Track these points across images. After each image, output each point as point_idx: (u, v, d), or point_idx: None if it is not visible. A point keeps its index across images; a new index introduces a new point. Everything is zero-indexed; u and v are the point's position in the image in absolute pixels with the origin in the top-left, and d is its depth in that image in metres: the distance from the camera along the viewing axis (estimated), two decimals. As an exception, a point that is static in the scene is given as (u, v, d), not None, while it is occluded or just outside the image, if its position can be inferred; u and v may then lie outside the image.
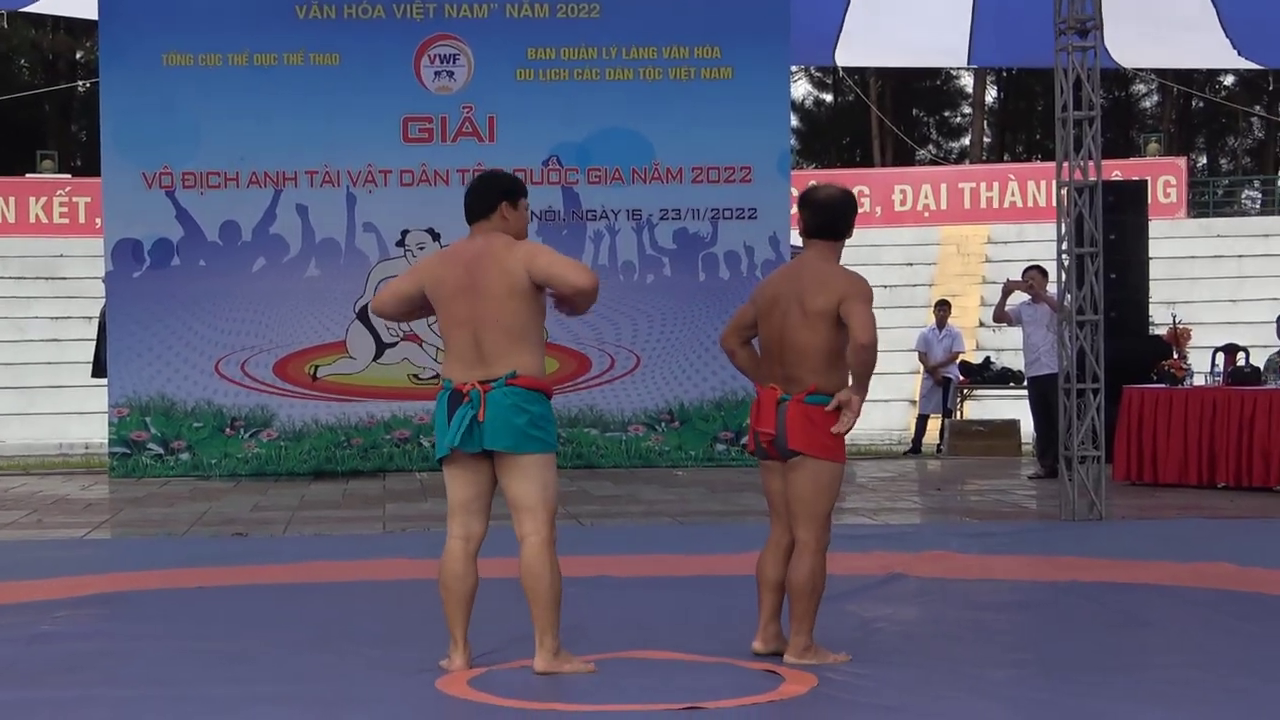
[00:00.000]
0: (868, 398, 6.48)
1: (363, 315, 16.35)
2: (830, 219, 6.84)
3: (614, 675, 6.41)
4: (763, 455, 6.67)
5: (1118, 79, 38.29)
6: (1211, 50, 17.19)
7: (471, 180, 6.82)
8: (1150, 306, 16.74)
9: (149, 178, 16.04)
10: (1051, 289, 14.73)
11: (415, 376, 16.52)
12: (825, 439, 6.45)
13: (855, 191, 32.94)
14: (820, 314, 6.51)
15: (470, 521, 6.48)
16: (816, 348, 6.54)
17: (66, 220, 29.73)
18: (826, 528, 6.58)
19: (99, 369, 16.98)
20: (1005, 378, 20.19)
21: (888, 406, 24.19)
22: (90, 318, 18.08)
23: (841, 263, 6.71)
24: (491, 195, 6.58)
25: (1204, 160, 47.97)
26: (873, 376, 6.37)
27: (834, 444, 6.49)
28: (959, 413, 20.45)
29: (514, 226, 6.57)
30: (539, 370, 6.38)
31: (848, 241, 6.80)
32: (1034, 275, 15.05)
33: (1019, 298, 15.14)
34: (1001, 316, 15.59)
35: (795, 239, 17.35)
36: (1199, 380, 14.78)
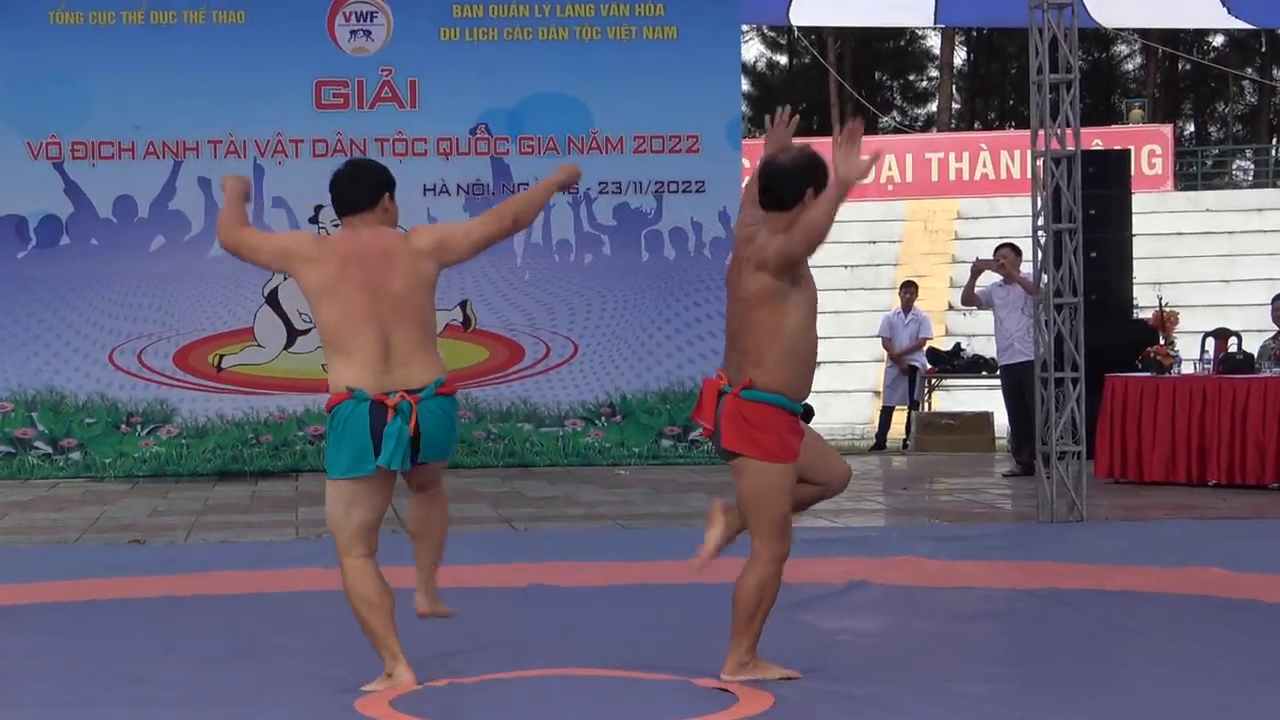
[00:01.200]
0: (827, 389, 6.47)
1: (272, 299, 16.32)
2: (778, 190, 6.69)
3: (552, 694, 6.40)
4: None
5: (1097, 39, 38.55)
6: (1199, 8, 17.27)
7: (342, 169, 6.84)
8: (1134, 288, 16.81)
9: (34, 148, 15.97)
10: (1026, 269, 14.76)
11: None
12: (762, 439, 6.33)
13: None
14: (757, 293, 6.42)
15: (373, 539, 6.57)
16: (757, 333, 6.46)
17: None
18: (780, 536, 6.45)
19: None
20: (976, 366, 20.27)
21: (850, 398, 24.31)
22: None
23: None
24: (374, 186, 6.65)
25: (1191, 128, 48.35)
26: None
27: (774, 445, 6.35)
28: (926, 404, 20.54)
29: (392, 219, 6.69)
30: (445, 369, 6.50)
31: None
32: (1006, 254, 15.10)
33: (990, 278, 15.19)
34: (971, 299, 15.64)
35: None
36: (1187, 368, 14.83)
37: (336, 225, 15.83)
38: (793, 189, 6.53)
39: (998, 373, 16.16)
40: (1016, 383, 14.98)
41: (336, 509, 6.45)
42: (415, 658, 6.98)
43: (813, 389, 18.13)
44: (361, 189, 6.60)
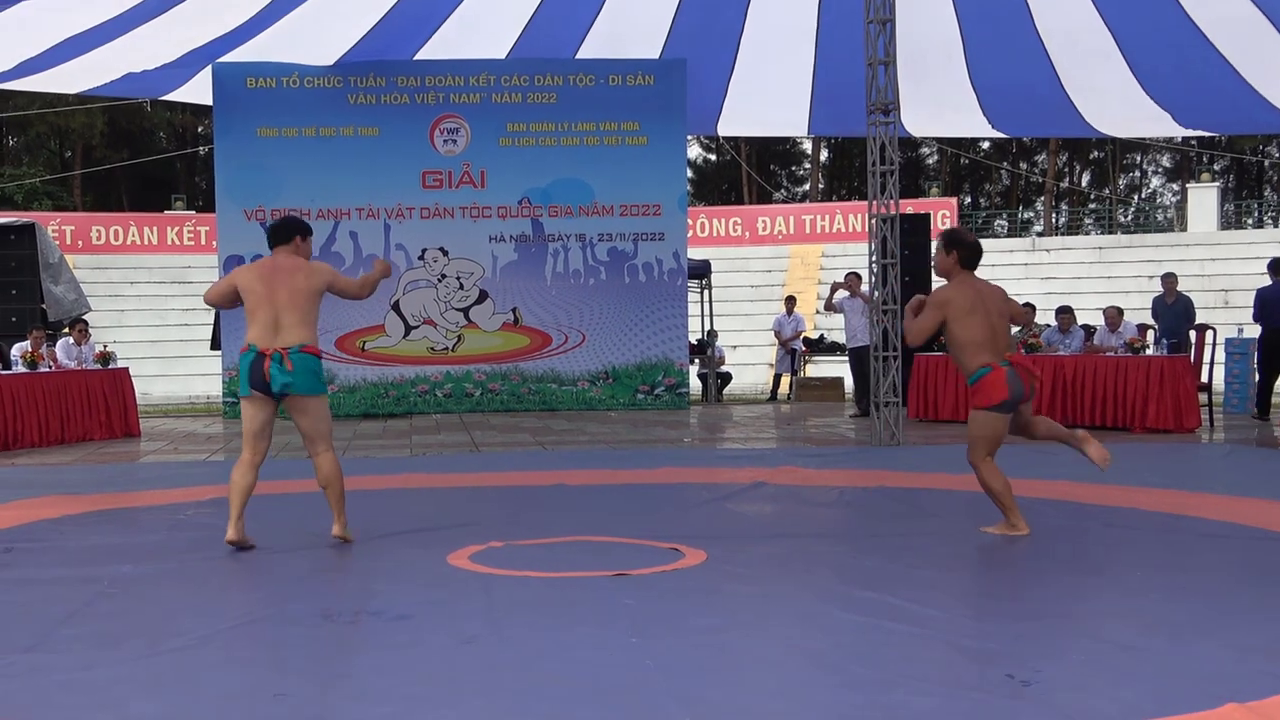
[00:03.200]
0: (741, 363, 6.44)
1: (395, 306, 16.29)
2: (977, 256, 6.94)
3: (569, 552, 6.39)
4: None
5: (909, 143, 38.42)
6: (973, 124, 17.27)
7: (276, 221, 7.03)
8: (930, 299, 16.80)
9: (248, 213, 15.90)
10: (864, 288, 14.80)
11: (431, 348, 16.44)
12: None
13: (730, 223, 32.98)
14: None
15: (257, 445, 6.70)
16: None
17: (192, 243, 29.58)
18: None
19: (215, 344, 16.81)
20: (833, 349, 20.25)
21: (754, 368, 24.26)
22: (209, 309, 17.85)
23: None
24: (290, 231, 6.81)
25: (969, 199, 48.17)
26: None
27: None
28: (802, 372, 20.52)
29: (303, 252, 6.82)
30: (315, 341, 6.72)
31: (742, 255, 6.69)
32: (852, 278, 15.12)
33: (842, 294, 15.19)
34: (830, 307, 15.64)
35: (690, 253, 17.51)
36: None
37: (435, 261, 15.94)
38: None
39: (846, 353, 16.16)
40: (858, 359, 15.03)
41: (243, 417, 6.73)
42: (486, 533, 7.01)
43: (729, 362, 18.02)
44: (283, 233, 6.79)
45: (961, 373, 6.97)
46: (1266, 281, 14.44)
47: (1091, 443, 6.81)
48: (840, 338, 18.23)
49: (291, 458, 11.50)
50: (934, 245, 7.02)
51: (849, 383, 17.25)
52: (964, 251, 6.87)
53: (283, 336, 6.53)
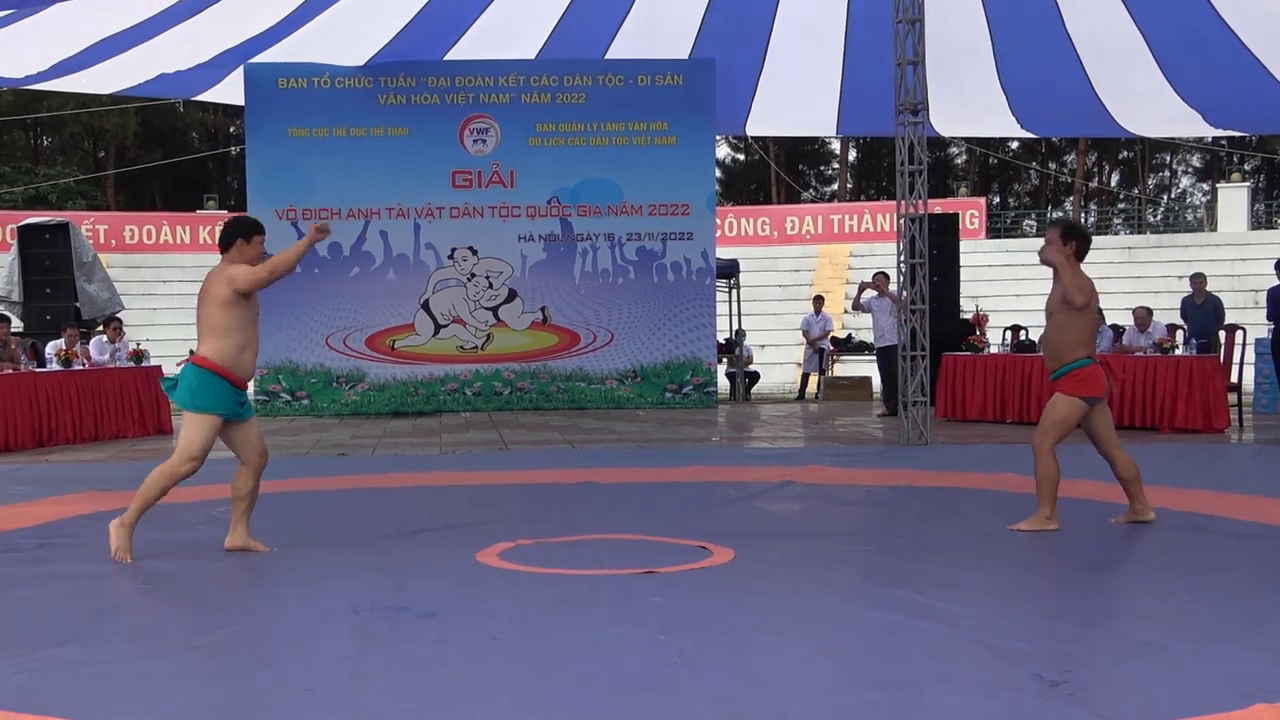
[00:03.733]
0: (770, 362, 6.42)
1: (425, 306, 16.33)
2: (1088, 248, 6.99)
3: (594, 550, 6.40)
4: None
5: (938, 143, 38.30)
6: (1002, 124, 17.22)
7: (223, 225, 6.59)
8: (960, 300, 16.72)
9: (280, 213, 15.93)
10: (892, 288, 14.77)
11: (460, 347, 16.48)
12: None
13: (759, 222, 32.90)
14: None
15: (242, 452, 6.43)
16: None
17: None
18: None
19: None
20: (861, 348, 20.21)
21: (782, 368, 24.22)
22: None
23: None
24: (231, 235, 6.36)
25: (998, 199, 47.97)
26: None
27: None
28: (830, 371, 20.47)
29: (248, 256, 6.31)
30: (215, 352, 6.20)
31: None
32: (880, 278, 15.08)
33: (870, 294, 15.15)
34: (858, 306, 15.60)
35: (718, 253, 17.50)
36: (994, 350, 14.80)
37: (465, 260, 16.07)
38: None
39: (874, 353, 16.10)
40: (886, 359, 14.97)
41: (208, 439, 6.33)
42: (514, 530, 7.02)
43: (757, 361, 17.99)
44: (223, 239, 6.38)
45: (1050, 361, 6.94)
46: (1276, 281, 14.42)
47: (1141, 503, 7.00)
48: (868, 337, 18.17)
49: (321, 455, 11.57)
50: (1048, 233, 7.01)
51: (877, 382, 17.18)
52: (1082, 243, 6.89)
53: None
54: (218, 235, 6.52)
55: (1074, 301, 6.73)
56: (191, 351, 6.34)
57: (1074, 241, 6.85)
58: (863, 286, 15.37)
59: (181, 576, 5.93)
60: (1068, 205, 46.20)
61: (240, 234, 6.37)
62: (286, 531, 6.84)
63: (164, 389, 6.51)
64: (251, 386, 16.29)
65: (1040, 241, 7.24)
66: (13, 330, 14.12)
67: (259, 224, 6.54)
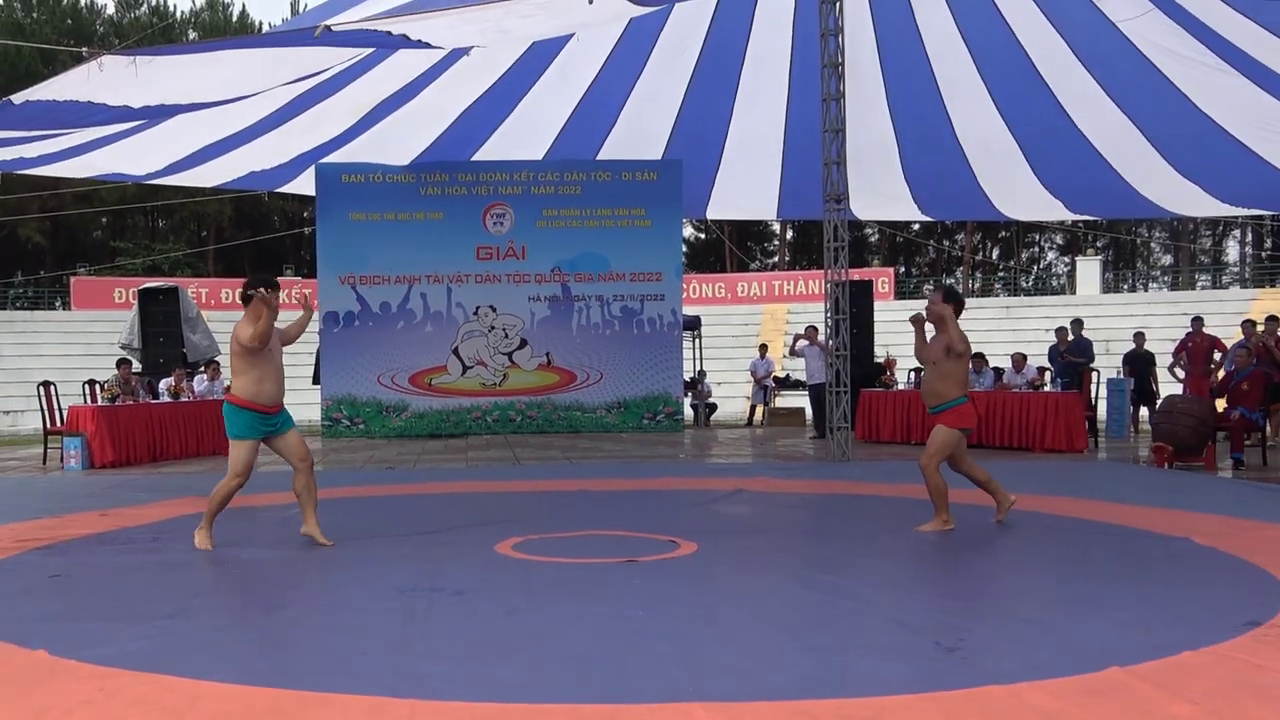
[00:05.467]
0: (726, 396, 6.41)
1: (455, 352, 16.27)
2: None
3: (588, 543, 6.36)
4: None
5: (856, 225, 38.51)
6: (906, 210, 17.32)
7: None
8: (875, 347, 16.75)
9: (342, 279, 15.93)
10: (820, 338, 14.84)
11: (482, 384, 16.39)
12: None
13: (716, 286, 32.75)
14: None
15: (294, 461, 6.36)
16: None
17: (298, 302, 29.50)
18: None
19: (316, 379, 16.81)
20: (796, 385, 20.20)
21: (735, 400, 24.19)
22: (311, 352, 17.87)
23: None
24: (247, 292, 6.17)
25: (904, 269, 48.08)
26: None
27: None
28: (772, 403, 20.45)
29: (259, 311, 6.08)
30: (240, 388, 6.16)
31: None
32: (810, 331, 15.11)
33: (803, 343, 15.17)
34: (794, 352, 15.59)
35: (685, 310, 17.53)
36: (901, 387, 14.81)
37: (486, 316, 16.01)
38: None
39: (807, 389, 16.08)
40: (816, 394, 14.99)
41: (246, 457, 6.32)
42: (525, 527, 6.98)
43: (715, 395, 17.83)
44: (242, 296, 6.19)
45: (930, 399, 6.90)
46: (1131, 347, 15.04)
47: (1001, 494, 7.01)
48: (802, 377, 18.19)
49: (373, 468, 11.51)
50: (929, 294, 7.11)
51: (809, 412, 17.18)
52: (960, 305, 6.93)
53: None
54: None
55: (956, 348, 6.75)
56: (227, 389, 6.31)
57: (952, 303, 6.89)
58: (797, 338, 15.40)
59: (262, 564, 5.88)
60: (959, 273, 46.38)
61: (254, 285, 6.18)
62: (346, 528, 6.81)
63: None
64: (318, 413, 16.35)
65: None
66: (133, 370, 14.06)
67: (269, 280, 6.28)
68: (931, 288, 38.21)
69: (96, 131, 11.33)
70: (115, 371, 13.43)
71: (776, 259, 48.85)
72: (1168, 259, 45.90)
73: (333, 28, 7.25)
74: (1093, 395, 13.56)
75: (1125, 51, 12.39)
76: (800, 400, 20.09)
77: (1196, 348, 13.86)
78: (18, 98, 8.45)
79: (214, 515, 6.31)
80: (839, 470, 10.75)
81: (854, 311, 12.95)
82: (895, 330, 27.20)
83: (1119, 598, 4.84)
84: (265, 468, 11.81)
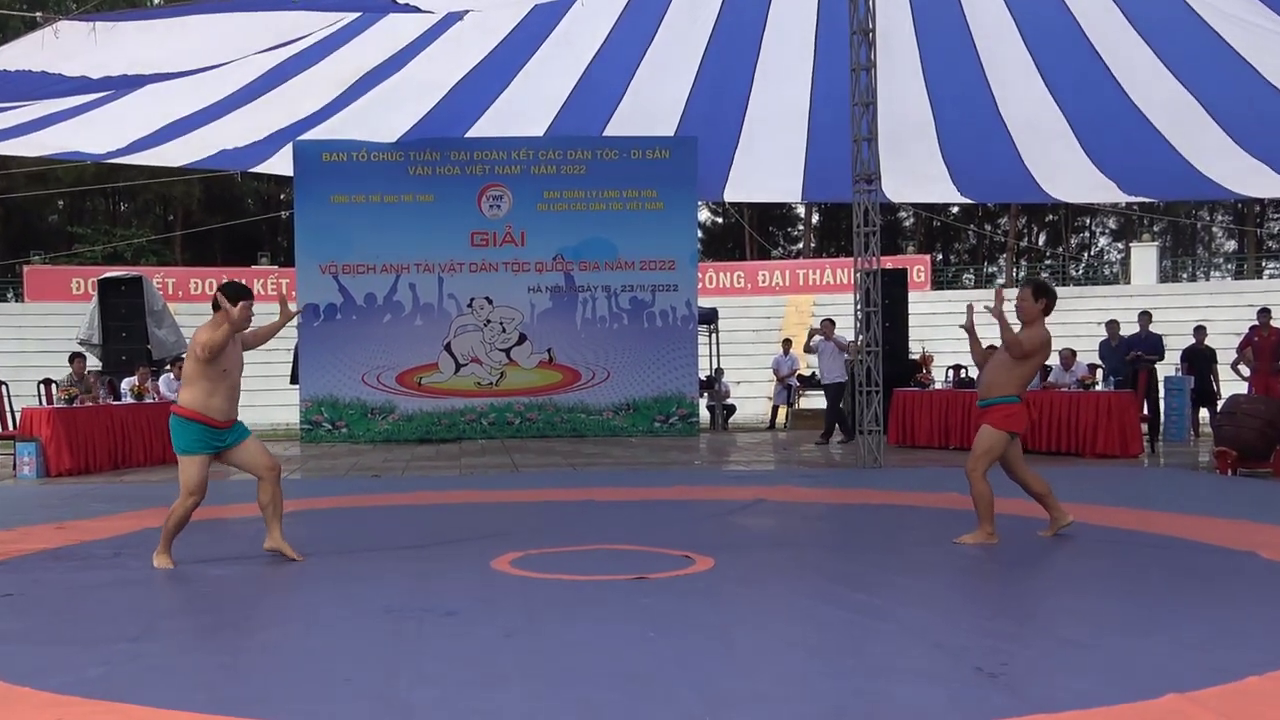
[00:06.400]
0: (746, 396, 6.42)
1: (447, 348, 16.32)
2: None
3: (593, 559, 6.38)
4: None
5: (889, 208, 38.46)
6: (944, 192, 17.27)
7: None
8: (909, 343, 16.75)
9: (322, 267, 15.99)
10: (837, 334, 14.92)
11: (478, 383, 16.43)
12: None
13: (734, 276, 32.76)
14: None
15: (258, 470, 6.47)
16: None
17: (275, 293, 29.34)
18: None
19: (294, 378, 16.87)
20: (819, 385, 20.22)
21: (756, 400, 24.19)
22: (289, 349, 17.94)
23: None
24: (217, 300, 6.15)
25: (941, 256, 48.04)
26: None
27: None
28: (796, 404, 20.47)
29: (231, 318, 6.08)
30: (188, 400, 6.12)
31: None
32: (826, 325, 15.21)
33: (819, 338, 15.21)
34: (809, 349, 15.62)
35: (700, 302, 17.54)
36: (938, 386, 14.82)
37: (482, 309, 16.09)
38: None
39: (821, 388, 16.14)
40: (830, 393, 15.14)
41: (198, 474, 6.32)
42: (524, 541, 6.99)
43: (733, 395, 17.90)
44: (213, 304, 6.15)
45: (984, 390, 6.90)
46: (1191, 341, 15.31)
47: (1058, 511, 7.00)
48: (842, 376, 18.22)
49: (358, 476, 11.53)
50: (1019, 290, 7.06)
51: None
52: (1051, 301, 6.93)
53: None
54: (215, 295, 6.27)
55: (1025, 349, 6.76)
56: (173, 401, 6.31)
57: (1045, 299, 6.91)
58: (812, 332, 15.46)
59: (234, 581, 5.90)
60: (1001, 261, 46.35)
61: (226, 295, 6.16)
62: (328, 542, 6.82)
63: None
64: (296, 416, 16.38)
65: (977, 293, 7.25)
66: (90, 369, 14.09)
67: (243, 289, 6.28)
68: (974, 276, 38.18)
69: (52, 105, 11.37)
70: (70, 368, 13.42)
71: (801, 246, 48.88)
72: (1231, 245, 45.83)
73: (312, -9, 7.26)
74: (1155, 395, 13.56)
75: (1186, 19, 12.36)
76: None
77: (1263, 342, 13.82)
78: (-35, 69, 8.48)
79: (172, 537, 6.30)
80: (869, 478, 10.75)
81: (886, 303, 12.95)
82: (931, 324, 27.23)
83: (1177, 618, 4.83)
84: (237, 476, 11.86)
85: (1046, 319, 6.95)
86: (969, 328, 7.20)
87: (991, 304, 6.94)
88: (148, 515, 8.34)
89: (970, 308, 7.24)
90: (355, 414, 16.18)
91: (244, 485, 10.65)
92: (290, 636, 4.75)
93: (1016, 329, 6.91)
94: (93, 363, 16.77)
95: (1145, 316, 14.93)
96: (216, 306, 6.17)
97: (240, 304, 6.15)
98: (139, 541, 7.11)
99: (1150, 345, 14.49)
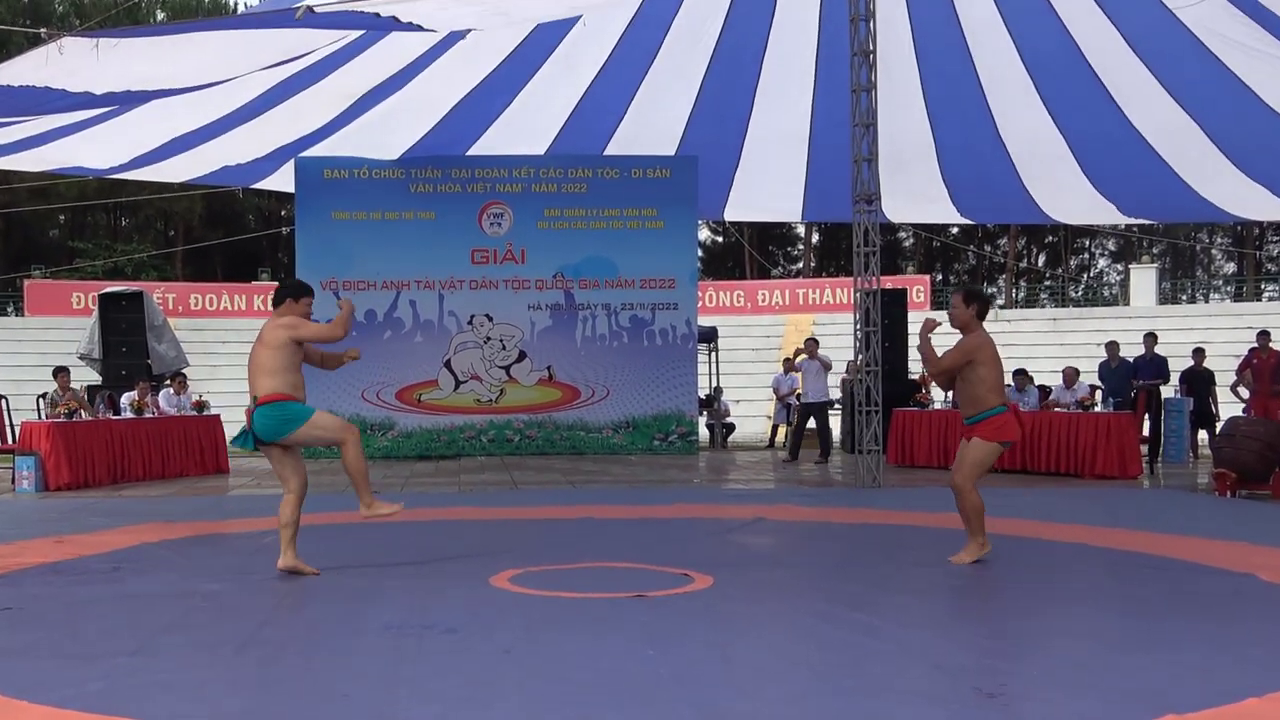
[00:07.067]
0: (744, 415, 6.44)
1: (447, 365, 16.32)
2: (989, 309, 7.01)
3: (592, 576, 6.37)
4: None
5: (888, 228, 38.50)
6: (944, 212, 17.31)
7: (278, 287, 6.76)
8: (909, 362, 16.76)
9: (324, 284, 15.88)
10: (822, 353, 14.95)
11: (477, 400, 16.43)
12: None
13: (734, 295, 32.70)
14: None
15: (288, 483, 6.51)
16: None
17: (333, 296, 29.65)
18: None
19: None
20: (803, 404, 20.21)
21: (755, 420, 24.18)
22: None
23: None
24: (283, 295, 6.56)
25: (940, 276, 48.09)
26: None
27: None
28: (795, 423, 20.40)
29: (298, 311, 6.49)
30: (282, 388, 6.31)
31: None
32: (811, 344, 15.22)
33: (803, 357, 15.17)
34: (792, 368, 15.67)
35: (700, 321, 17.55)
36: (937, 406, 14.81)
37: (482, 326, 16.04)
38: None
39: (799, 406, 16.20)
40: (809, 412, 15.27)
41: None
42: (522, 558, 6.99)
43: (733, 414, 17.85)
44: (277, 299, 6.55)
45: (966, 409, 6.86)
46: (1190, 362, 15.26)
47: (973, 547, 6.83)
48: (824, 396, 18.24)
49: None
50: (950, 299, 7.05)
51: (837, 433, 17.20)
52: (982, 305, 6.93)
53: (253, 390, 6.39)
54: (272, 295, 6.66)
55: (952, 363, 6.80)
56: (255, 399, 6.33)
57: (975, 304, 6.91)
58: (797, 352, 15.46)
59: (233, 597, 5.89)
60: (1000, 282, 46.40)
61: (290, 294, 6.56)
62: (328, 558, 6.82)
63: (239, 446, 6.56)
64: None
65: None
66: (77, 384, 14.06)
67: (309, 287, 6.71)
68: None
69: (54, 120, 11.40)
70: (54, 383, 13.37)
71: (801, 265, 48.92)
72: (1231, 267, 45.89)
73: (315, 9, 7.30)
74: (1158, 417, 13.58)
75: (1186, 43, 12.42)
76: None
77: (1262, 364, 13.85)
78: (-31, 84, 8.51)
79: (367, 479, 6.52)
80: (869, 497, 10.75)
81: (886, 323, 12.96)
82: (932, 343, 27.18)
83: (1176, 638, 4.83)
84: (239, 490, 11.84)
85: (985, 324, 6.94)
86: (922, 347, 7.14)
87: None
88: (146, 530, 8.34)
89: (926, 323, 7.17)
90: (354, 430, 16.15)
91: (242, 502, 10.65)
92: (289, 653, 4.75)
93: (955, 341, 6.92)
94: (93, 377, 16.79)
95: (1151, 338, 14.95)
96: (279, 301, 6.51)
97: (305, 299, 6.57)
98: (137, 556, 7.11)
99: (1156, 368, 14.52)
